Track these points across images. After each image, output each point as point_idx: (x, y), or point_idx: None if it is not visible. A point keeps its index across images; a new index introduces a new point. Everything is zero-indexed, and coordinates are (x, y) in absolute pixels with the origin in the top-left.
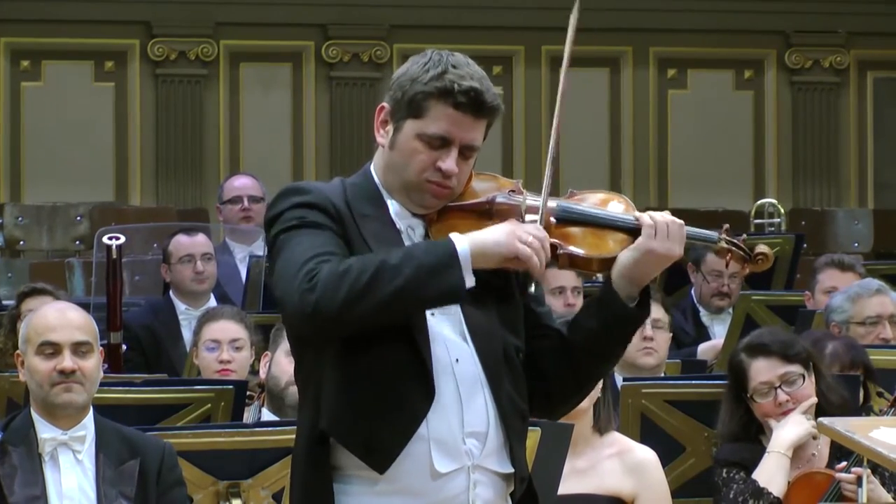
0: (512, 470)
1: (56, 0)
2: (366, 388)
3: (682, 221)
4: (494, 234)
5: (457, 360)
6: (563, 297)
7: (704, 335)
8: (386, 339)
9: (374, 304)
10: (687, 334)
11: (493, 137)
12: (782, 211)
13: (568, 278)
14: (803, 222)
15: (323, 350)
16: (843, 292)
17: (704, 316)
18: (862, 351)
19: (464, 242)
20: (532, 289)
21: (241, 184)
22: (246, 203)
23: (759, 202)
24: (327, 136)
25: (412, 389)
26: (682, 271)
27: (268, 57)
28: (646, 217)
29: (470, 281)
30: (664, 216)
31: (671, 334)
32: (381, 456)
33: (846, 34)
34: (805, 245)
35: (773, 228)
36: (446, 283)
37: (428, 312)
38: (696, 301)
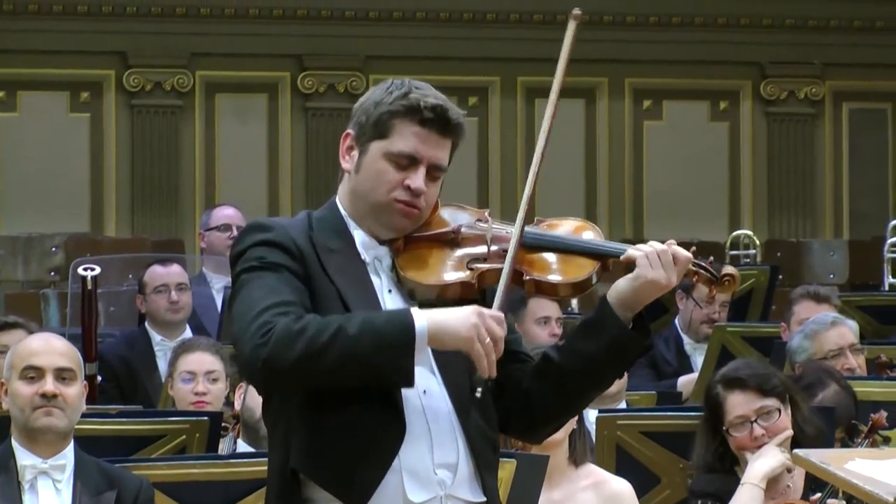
0: (484, 499)
1: (31, 31)
2: (337, 426)
3: (688, 254)
4: (456, 323)
5: (424, 391)
6: (548, 327)
7: (686, 365)
8: None
9: (324, 371)
10: (669, 364)
11: (468, 168)
12: (757, 242)
13: (553, 308)
14: (778, 253)
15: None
16: (800, 332)
17: (688, 345)
18: (854, 405)
19: (423, 320)
20: (478, 393)
21: (230, 213)
22: (235, 232)
23: (734, 233)
24: (303, 166)
25: (383, 426)
26: (657, 302)
27: (243, 87)
28: (637, 252)
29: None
30: (660, 245)
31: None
32: (357, 494)
33: (821, 65)
34: (780, 276)
35: (748, 260)
36: (397, 365)
37: None
38: (680, 330)
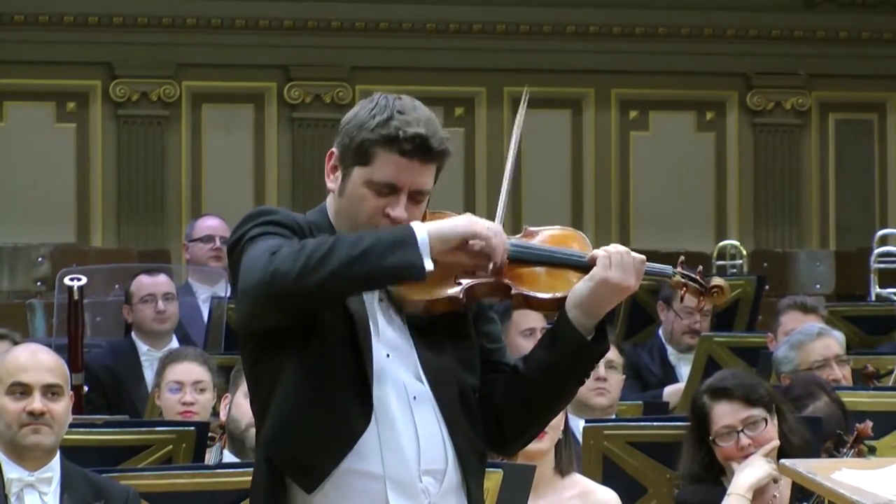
0: None
1: (17, 41)
2: (304, 406)
3: (642, 257)
4: (452, 219)
5: (414, 397)
6: (533, 339)
7: (671, 375)
8: (332, 361)
9: (332, 271)
10: (653, 374)
11: (454, 178)
12: (744, 252)
13: (537, 319)
14: (765, 264)
15: (275, 376)
16: (786, 342)
17: (672, 355)
18: (843, 417)
19: (422, 230)
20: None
21: (214, 223)
22: (218, 243)
23: (720, 244)
24: (289, 176)
25: (350, 408)
26: (644, 312)
27: (230, 98)
28: (600, 250)
29: (429, 264)
30: (618, 248)
31: (624, 376)
32: (310, 475)
33: (807, 76)
34: (767, 287)
35: (734, 270)
36: (404, 257)
37: (383, 353)
38: (663, 340)
